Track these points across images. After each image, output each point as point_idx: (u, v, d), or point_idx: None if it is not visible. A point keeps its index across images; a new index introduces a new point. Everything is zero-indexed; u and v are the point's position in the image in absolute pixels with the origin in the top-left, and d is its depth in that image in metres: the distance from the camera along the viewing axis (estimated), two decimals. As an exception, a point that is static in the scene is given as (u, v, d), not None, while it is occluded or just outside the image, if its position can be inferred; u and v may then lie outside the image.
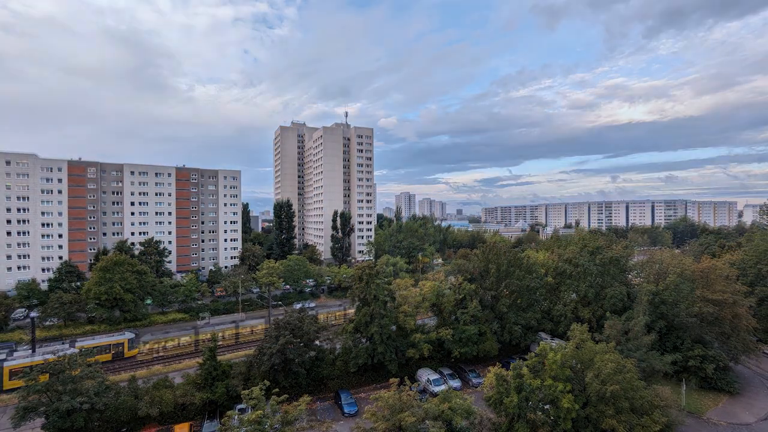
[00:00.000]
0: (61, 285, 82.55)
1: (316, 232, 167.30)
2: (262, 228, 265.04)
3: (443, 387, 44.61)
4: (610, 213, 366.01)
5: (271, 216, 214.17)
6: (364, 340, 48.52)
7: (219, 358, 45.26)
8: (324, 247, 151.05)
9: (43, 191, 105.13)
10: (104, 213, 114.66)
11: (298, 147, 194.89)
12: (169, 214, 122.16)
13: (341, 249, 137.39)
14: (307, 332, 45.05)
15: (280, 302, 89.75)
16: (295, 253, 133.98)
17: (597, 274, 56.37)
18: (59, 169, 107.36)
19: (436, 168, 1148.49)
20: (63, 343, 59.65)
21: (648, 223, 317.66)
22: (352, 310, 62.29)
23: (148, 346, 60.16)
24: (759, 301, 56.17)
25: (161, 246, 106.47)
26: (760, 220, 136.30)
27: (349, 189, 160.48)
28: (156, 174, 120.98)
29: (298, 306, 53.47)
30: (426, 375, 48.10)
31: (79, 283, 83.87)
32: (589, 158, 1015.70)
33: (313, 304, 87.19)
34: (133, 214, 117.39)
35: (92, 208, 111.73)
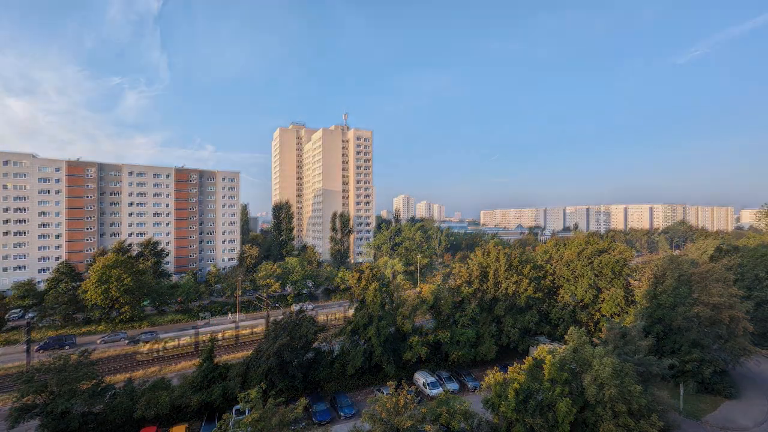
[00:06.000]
0: (58, 285, 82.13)
1: (315, 234, 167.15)
2: (261, 229, 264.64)
3: (440, 390, 44.55)
4: (609, 216, 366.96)
5: (270, 217, 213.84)
6: (361, 342, 48.38)
7: (216, 359, 45.12)
8: (323, 249, 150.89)
9: (41, 191, 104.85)
10: (102, 213, 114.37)
11: (297, 148, 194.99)
12: (168, 214, 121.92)
13: (340, 251, 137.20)
14: (304, 334, 44.89)
15: (278, 304, 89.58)
16: (294, 254, 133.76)
17: (595, 277, 56.42)
18: (57, 170, 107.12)
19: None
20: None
21: (646, 226, 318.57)
22: (350, 312, 62.21)
23: (147, 346, 59.89)
24: (757, 304, 56.33)
25: (159, 247, 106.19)
26: (758, 223, 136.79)
27: (348, 191, 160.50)
28: (155, 175, 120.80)
29: (296, 307, 53.39)
30: (423, 378, 47.95)
31: (76, 284, 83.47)
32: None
33: (311, 306, 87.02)
34: (131, 214, 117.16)
35: (90, 208, 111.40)
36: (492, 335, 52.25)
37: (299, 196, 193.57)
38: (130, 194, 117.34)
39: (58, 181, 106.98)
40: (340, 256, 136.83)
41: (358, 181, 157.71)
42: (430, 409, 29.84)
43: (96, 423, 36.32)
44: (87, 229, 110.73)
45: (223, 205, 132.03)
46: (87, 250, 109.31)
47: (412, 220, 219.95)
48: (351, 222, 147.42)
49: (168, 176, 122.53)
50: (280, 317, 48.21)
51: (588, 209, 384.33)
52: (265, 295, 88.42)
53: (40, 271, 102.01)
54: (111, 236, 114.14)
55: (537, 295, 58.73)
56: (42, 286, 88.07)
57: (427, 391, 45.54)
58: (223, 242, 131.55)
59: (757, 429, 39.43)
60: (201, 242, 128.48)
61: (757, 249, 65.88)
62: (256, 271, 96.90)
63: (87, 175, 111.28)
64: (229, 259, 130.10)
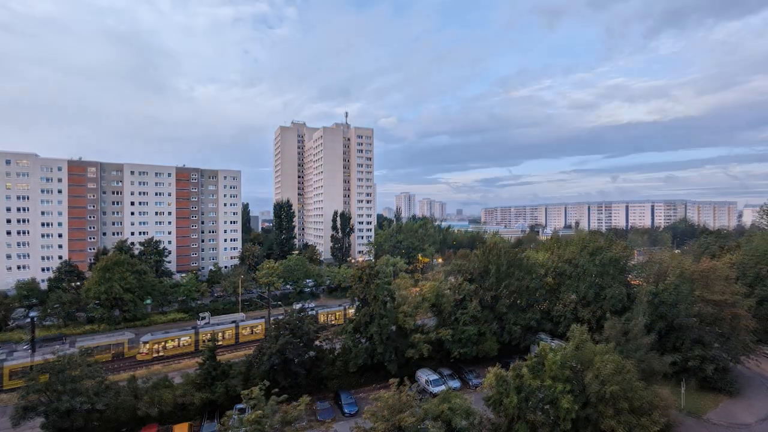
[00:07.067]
0: (60, 285, 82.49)
1: (316, 232, 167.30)
2: (262, 228, 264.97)
3: (442, 387, 44.63)
4: (610, 213, 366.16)
5: (271, 216, 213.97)
6: (363, 341, 48.47)
7: (218, 357, 45.25)
8: (324, 247, 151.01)
9: (43, 191, 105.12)
10: (104, 213, 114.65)
11: (298, 147, 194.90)
12: (169, 213, 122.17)
13: (341, 249, 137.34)
14: (306, 332, 45.02)
15: (279, 302, 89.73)
16: (295, 253, 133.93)
17: (597, 274, 56.30)
18: (59, 169, 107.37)
19: (436, 168, 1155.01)
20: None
21: (648, 223, 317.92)
22: (351, 310, 62.26)
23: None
24: (759, 302, 56.15)
25: (161, 246, 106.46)
26: (759, 220, 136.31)
27: (349, 189, 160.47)
28: (156, 174, 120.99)
29: (297, 306, 53.57)
30: (425, 375, 48.08)
31: (78, 283, 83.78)
32: (590, 158, 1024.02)
33: (312, 304, 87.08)
34: (133, 213, 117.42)
35: (92, 207, 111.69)
36: (493, 333, 52.28)
37: (300, 194, 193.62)
38: (132, 193, 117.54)
39: (59, 180, 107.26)
40: (342, 255, 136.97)
41: (359, 180, 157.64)
42: (431, 406, 29.88)
43: (100, 421, 36.54)
44: (89, 228, 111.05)
45: (225, 204, 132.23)
46: (89, 250, 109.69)
47: (413, 219, 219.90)
48: (352, 221, 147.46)
49: (169, 175, 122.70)
50: (282, 316, 48.31)
51: (589, 207, 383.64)
52: (266, 293, 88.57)
53: (42, 270, 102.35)
54: (113, 235, 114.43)
55: (538, 293, 58.64)
56: (44, 286, 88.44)
57: (430, 388, 45.66)
58: (225, 241, 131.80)
59: (758, 425, 39.46)
60: (202, 241, 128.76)
61: (760, 245, 65.55)
62: (257, 270, 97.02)
63: (88, 174, 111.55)
64: (230, 258, 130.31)
